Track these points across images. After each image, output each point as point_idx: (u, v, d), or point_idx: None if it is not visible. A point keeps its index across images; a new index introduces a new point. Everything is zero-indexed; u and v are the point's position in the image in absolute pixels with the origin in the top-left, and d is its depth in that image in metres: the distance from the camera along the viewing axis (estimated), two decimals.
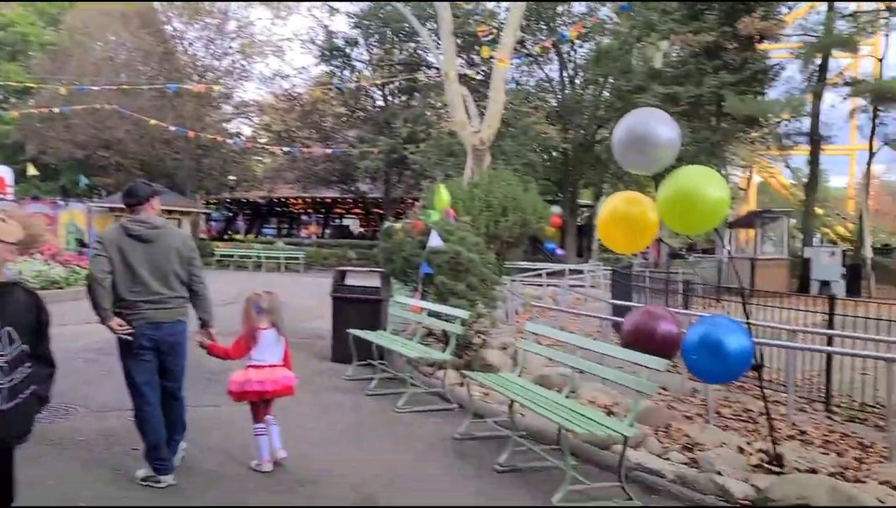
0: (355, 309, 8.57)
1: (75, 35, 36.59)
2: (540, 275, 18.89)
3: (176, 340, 4.58)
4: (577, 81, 30.08)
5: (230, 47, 36.23)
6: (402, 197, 35.41)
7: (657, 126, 4.54)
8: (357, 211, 51.14)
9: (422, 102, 30.05)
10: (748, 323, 4.85)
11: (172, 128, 28.66)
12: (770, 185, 48.07)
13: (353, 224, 57.73)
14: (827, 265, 19.85)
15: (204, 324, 4.78)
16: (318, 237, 43.46)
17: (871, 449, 5.57)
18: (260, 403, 4.88)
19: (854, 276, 20.38)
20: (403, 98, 34.13)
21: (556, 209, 30.11)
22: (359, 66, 35.27)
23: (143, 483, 4.44)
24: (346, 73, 34.41)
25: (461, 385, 7.26)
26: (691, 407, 6.77)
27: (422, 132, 28.81)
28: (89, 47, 34.80)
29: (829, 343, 7.06)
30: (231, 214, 52.04)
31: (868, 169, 23.10)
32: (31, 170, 31.88)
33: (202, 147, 34.29)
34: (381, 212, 38.35)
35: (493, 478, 4.87)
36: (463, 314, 6.60)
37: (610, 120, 29.55)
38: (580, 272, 21.29)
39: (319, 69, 36.16)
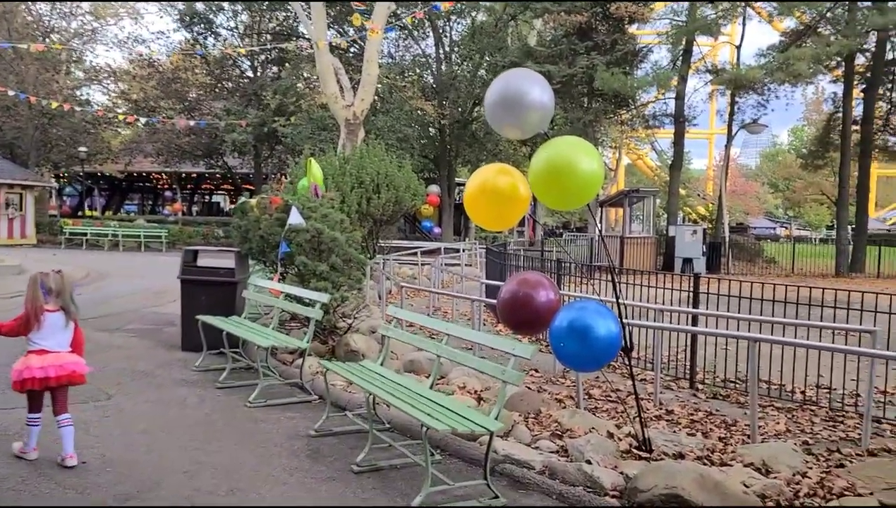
0: (207, 293, 7.78)
1: None
2: (415, 254, 18.51)
3: None
4: (454, 57, 29.81)
5: (79, 7, 33.16)
6: (273, 172, 33.95)
7: (531, 87, 4.18)
8: (227, 187, 48.76)
9: (293, 74, 28.72)
10: (618, 304, 4.63)
11: (11, 92, 25.77)
12: (637, 167, 50.48)
13: (224, 201, 55.17)
14: (689, 243, 20.81)
15: None
16: (182, 214, 40.92)
17: (735, 428, 5.57)
18: (42, 393, 4.36)
19: (714, 254, 21.52)
20: (274, 69, 32.57)
21: (433, 188, 29.93)
22: (224, 33, 33.27)
23: None
24: (211, 40, 32.33)
25: (322, 374, 6.72)
26: (563, 389, 6.59)
27: (292, 105, 27.57)
28: None
29: (694, 321, 7.10)
30: (86, 189, 48.09)
31: (727, 152, 24.43)
32: None
33: (48, 115, 31.21)
34: (252, 188, 36.67)
35: (348, 480, 4.38)
36: (322, 297, 6.03)
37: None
38: (457, 251, 21.12)
39: (180, 35, 33.81)
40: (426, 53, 30.82)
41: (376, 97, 29.50)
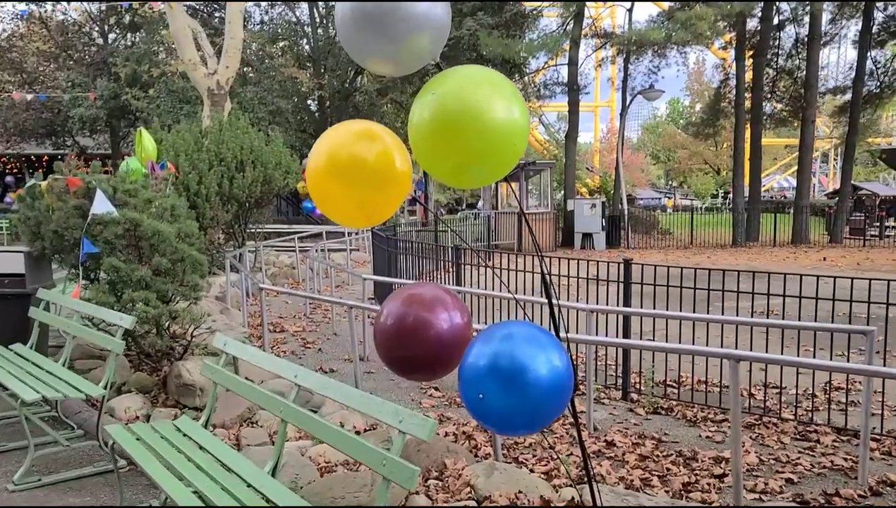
0: None
1: None
2: (292, 241, 16.53)
3: None
4: (329, 23, 27.55)
5: None
6: (131, 151, 30.51)
7: None
8: (83, 170, 44.07)
9: (148, 40, 25.52)
10: (553, 316, 3.06)
11: None
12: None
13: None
14: (589, 217, 19.93)
15: None
16: None
17: (698, 465, 4.24)
18: None
19: (613, 227, 20.78)
20: (129, 37, 29.02)
21: None
22: None
23: None
24: (48, 3, 28.33)
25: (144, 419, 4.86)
26: (476, 431, 5.00)
27: (147, 73, 24.49)
28: None
29: (626, 328, 5.72)
30: None
31: (622, 121, 23.70)
32: None
33: None
34: (110, 170, 32.92)
35: None
36: (124, 321, 4.16)
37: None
38: (341, 235, 19.28)
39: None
40: (300, 20, 28.37)
41: (246, 67, 26.86)
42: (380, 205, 2.70)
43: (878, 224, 24.37)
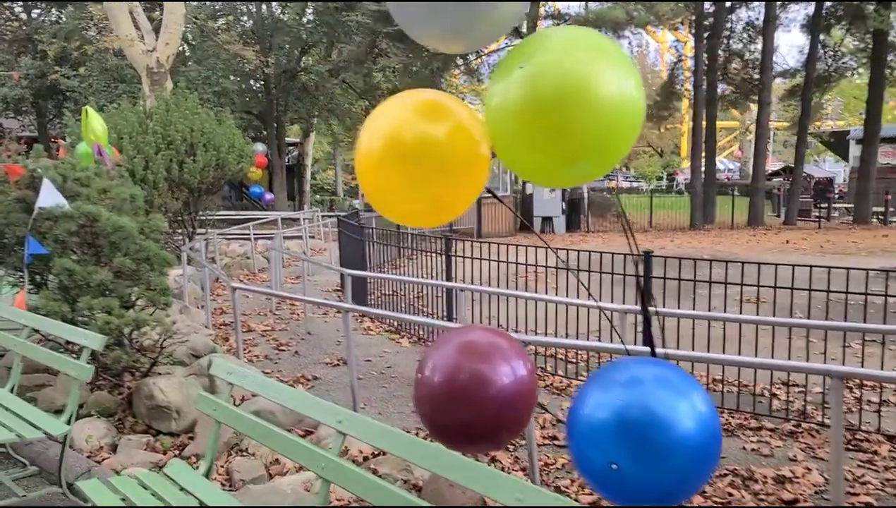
0: None
1: None
2: (245, 228, 15.58)
3: None
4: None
5: None
6: (62, 134, 28.65)
7: None
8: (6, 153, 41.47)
9: (76, 15, 23.78)
10: (648, 335, 2.49)
11: None
12: None
13: None
14: (548, 201, 19.51)
15: None
16: None
17: (758, 488, 3.78)
18: None
19: (573, 211, 20.44)
20: (55, 12, 27.06)
21: (259, 147, 26.48)
22: None
23: None
24: None
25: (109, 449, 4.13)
26: (501, 453, 4.39)
27: (77, 51, 22.84)
28: None
29: (647, 325, 5.21)
30: None
31: None
32: None
33: None
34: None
35: None
36: (93, 342, 3.41)
37: (315, 44, 26.49)
38: (295, 221, 18.41)
39: None
40: None
41: (186, 44, 25.40)
42: (458, 197, 2.08)
43: (824, 205, 24.86)
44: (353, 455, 4.01)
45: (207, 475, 2.74)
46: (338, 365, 6.70)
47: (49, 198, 4.51)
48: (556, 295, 7.47)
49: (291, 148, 32.75)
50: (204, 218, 13.80)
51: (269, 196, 27.93)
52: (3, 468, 3.83)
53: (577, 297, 5.93)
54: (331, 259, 13.29)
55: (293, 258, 13.96)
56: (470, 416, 2.10)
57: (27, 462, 3.94)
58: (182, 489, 2.61)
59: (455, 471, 2.04)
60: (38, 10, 26.08)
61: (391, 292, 9.22)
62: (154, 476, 2.71)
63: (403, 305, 8.55)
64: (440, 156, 1.94)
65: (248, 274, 13.68)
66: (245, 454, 4.14)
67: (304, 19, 26.46)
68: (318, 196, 35.71)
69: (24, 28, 25.74)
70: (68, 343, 4.97)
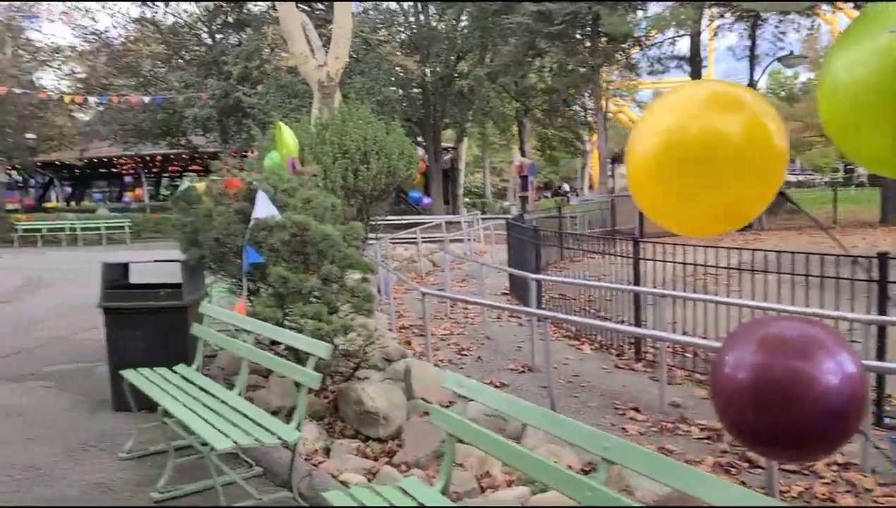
0: (143, 328, 5.27)
1: None
2: (408, 232, 15.95)
3: None
4: (431, 9, 26.85)
5: None
6: (244, 149, 31.04)
7: None
8: (196, 168, 45.60)
9: (256, 37, 25.65)
10: None
11: None
12: (617, 120, 47.88)
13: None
14: None
15: None
16: (149, 199, 37.87)
17: None
18: None
19: None
20: (235, 37, 29.41)
21: (420, 152, 27.22)
22: None
23: None
24: (161, 5, 29.03)
25: (324, 452, 4.26)
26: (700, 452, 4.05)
27: (257, 69, 24.61)
28: None
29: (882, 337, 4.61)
30: (48, 180, 44.85)
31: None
32: None
33: None
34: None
35: None
36: (319, 350, 3.52)
37: (471, 49, 26.78)
38: (457, 225, 18.65)
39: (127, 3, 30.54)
40: (401, 7, 27.84)
41: (350, 56, 26.64)
42: (751, 201, 1.86)
43: None
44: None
45: (444, 491, 2.70)
46: (523, 371, 6.59)
47: (263, 208, 4.77)
48: (752, 299, 6.92)
49: (445, 151, 33.39)
50: (374, 223, 14.29)
51: (426, 200, 28.60)
52: (231, 467, 4.05)
53: (793, 304, 5.42)
54: (492, 261, 13.29)
55: (460, 261, 14.11)
56: (789, 422, 1.86)
57: (252, 463, 4.15)
58: (421, 506, 2.58)
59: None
60: (220, 35, 28.41)
61: (559, 295, 9.02)
62: (391, 491, 2.71)
63: (576, 309, 8.33)
64: (734, 155, 1.74)
65: (416, 277, 13.99)
66: (454, 465, 4.11)
67: (460, 25, 26.84)
68: (466, 199, 36.09)
69: (211, 52, 28.13)
70: (273, 344, 5.24)
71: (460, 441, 2.77)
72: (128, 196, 39.33)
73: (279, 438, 3.31)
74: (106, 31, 30.01)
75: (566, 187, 47.18)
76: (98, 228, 26.35)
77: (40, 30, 33.33)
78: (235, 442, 3.18)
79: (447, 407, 4.97)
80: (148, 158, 38.30)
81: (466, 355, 7.26)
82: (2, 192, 32.68)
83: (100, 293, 5.35)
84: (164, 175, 47.50)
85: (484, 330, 8.41)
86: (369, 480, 3.86)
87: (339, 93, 17.29)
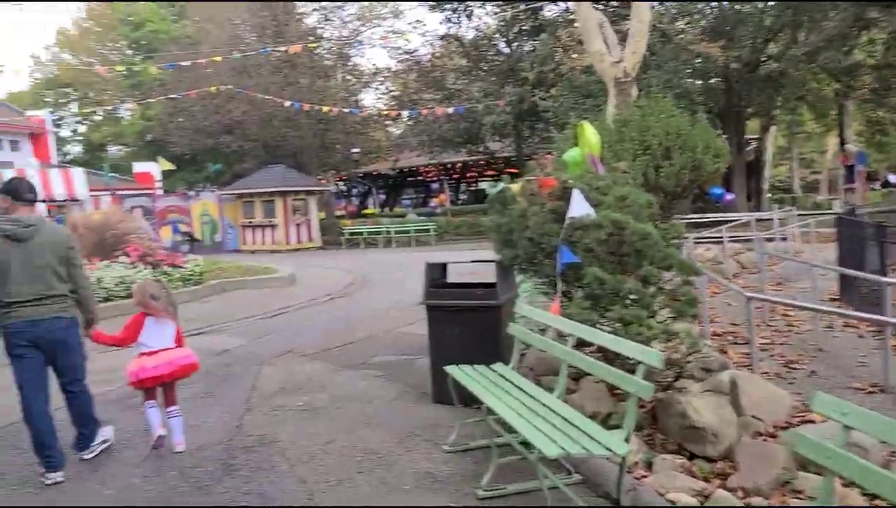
0: (460, 325, 5.50)
1: (199, 24, 36.53)
2: (719, 231, 14.79)
3: (57, 336, 4.45)
4: None
5: (348, 15, 34.16)
6: (536, 152, 31.86)
7: None
8: (490, 173, 48.05)
9: (550, 40, 26.09)
10: None
11: (287, 103, 26.93)
12: None
13: (488, 187, 54.70)
14: None
15: (89, 323, 4.74)
16: (451, 204, 40.80)
17: None
18: (156, 388, 4.81)
19: None
20: (530, 42, 30.28)
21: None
22: (477, 11, 31.76)
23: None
24: (464, 19, 30.98)
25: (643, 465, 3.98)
26: None
27: (552, 72, 24.96)
28: (213, 34, 34.13)
29: None
30: (367, 189, 50.89)
31: None
32: (165, 165, 31.80)
33: (323, 121, 32.60)
34: (515, 171, 35.07)
35: None
36: (650, 358, 3.26)
37: (781, 29, 24.17)
38: (768, 221, 16.90)
39: (436, 20, 33.24)
40: None
41: (646, 49, 25.79)
42: None
43: None
44: None
45: None
46: (873, 391, 5.59)
47: (579, 207, 4.64)
48: None
49: (749, 143, 30.63)
50: (676, 222, 13.54)
51: (729, 196, 26.51)
52: (552, 471, 3.96)
53: None
54: (811, 261, 11.68)
55: (772, 262, 12.71)
56: None
57: (571, 469, 4.03)
58: None
59: None
60: (516, 43, 29.47)
61: None
62: None
63: None
64: None
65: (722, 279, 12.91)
66: (800, 496, 3.56)
67: (768, 4, 24.38)
68: (769, 194, 32.67)
69: (508, 60, 29.33)
70: (580, 346, 5.07)
71: (839, 476, 2.30)
72: (433, 201, 42.76)
73: (608, 450, 3.12)
74: (416, 51, 32.92)
75: (893, 177, 40.43)
76: (408, 231, 29.02)
77: (363, 55, 37.68)
78: (564, 450, 3.07)
79: (785, 428, 4.38)
80: (449, 165, 41.36)
81: (796, 369, 6.39)
82: (332, 201, 37.80)
83: (422, 291, 5.70)
84: (463, 181, 50.95)
85: (814, 339, 7.37)
86: (700, 503, 3.50)
87: (635, 89, 16.76)
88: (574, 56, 26.75)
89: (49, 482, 4.26)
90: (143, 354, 4.75)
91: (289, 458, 4.55)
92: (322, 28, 34.05)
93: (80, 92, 49.70)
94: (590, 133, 8.24)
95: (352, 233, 29.81)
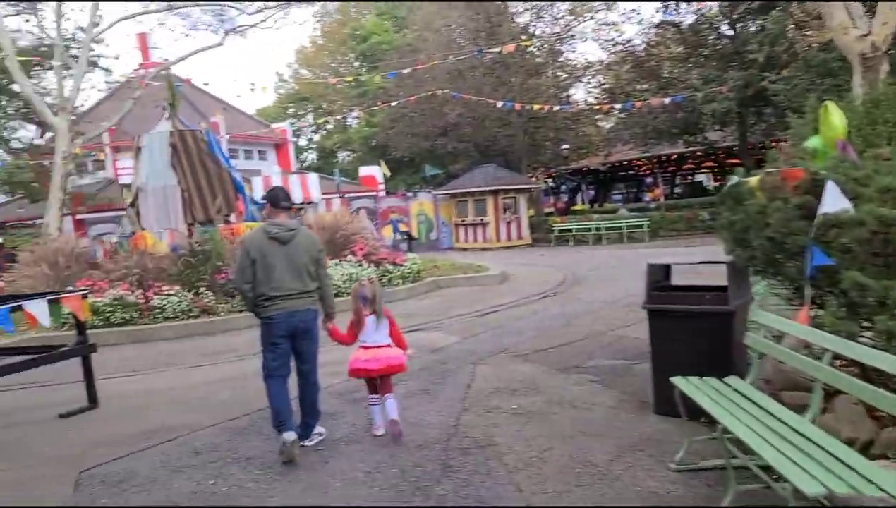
0: (685, 332, 5.06)
1: (417, 32, 38.54)
2: None
3: (307, 326, 5.06)
4: None
5: (560, 9, 33.89)
6: (761, 142, 29.20)
7: None
8: (708, 164, 45.00)
9: (781, 17, 23.68)
10: None
11: (499, 104, 27.35)
12: None
13: (707, 179, 51.54)
14: None
15: (328, 317, 5.32)
16: (664, 198, 38.84)
17: None
18: (372, 379, 5.23)
19: None
20: (757, 21, 27.78)
21: None
22: None
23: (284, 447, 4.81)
24: (682, 4, 29.19)
25: None
26: None
27: (784, 52, 22.66)
28: (430, 41, 35.75)
29: None
30: (576, 185, 50.23)
31: None
32: (384, 169, 33.90)
33: (533, 119, 32.65)
34: (737, 162, 32.45)
35: None
36: None
37: None
38: None
39: (651, 8, 31.75)
40: None
41: None
42: None
43: None
44: None
45: None
46: None
47: (834, 202, 4.03)
48: None
49: None
50: None
51: None
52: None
53: None
54: None
55: None
56: None
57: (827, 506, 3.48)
58: None
59: None
60: (740, 24, 27.19)
61: None
62: None
63: None
64: None
65: None
66: None
67: None
68: None
69: (732, 43, 27.19)
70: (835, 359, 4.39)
71: None
72: (647, 195, 41.04)
73: (882, 490, 2.61)
74: (630, 41, 31.71)
75: None
76: (619, 228, 28.07)
77: (574, 50, 37.11)
78: (826, 487, 2.62)
79: None
80: (664, 158, 39.38)
81: None
82: (540, 198, 37.70)
83: (644, 293, 5.34)
84: (678, 173, 48.27)
85: None
86: None
87: (885, 64, 14.64)
88: (809, 33, 24.09)
89: (286, 442, 4.76)
90: (360, 347, 5.21)
91: (506, 464, 4.47)
92: (534, 26, 34.05)
93: (315, 103, 54.69)
94: (836, 116, 7.26)
95: (561, 231, 29.51)
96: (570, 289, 13.41)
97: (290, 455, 4.74)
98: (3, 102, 26.09)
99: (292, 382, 5.13)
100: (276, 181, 25.59)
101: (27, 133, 28.52)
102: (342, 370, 5.65)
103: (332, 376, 6.87)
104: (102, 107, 30.63)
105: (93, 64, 24.90)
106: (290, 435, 4.80)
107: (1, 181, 23.23)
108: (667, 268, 5.68)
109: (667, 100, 26.52)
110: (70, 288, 8.97)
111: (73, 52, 21.98)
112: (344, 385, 6.77)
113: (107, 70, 25.89)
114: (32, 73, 24.36)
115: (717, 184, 49.60)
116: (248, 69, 79.67)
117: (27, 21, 25.72)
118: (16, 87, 22.59)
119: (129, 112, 23.73)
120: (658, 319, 5.26)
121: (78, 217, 24.79)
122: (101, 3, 21.66)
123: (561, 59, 35.67)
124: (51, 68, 23.58)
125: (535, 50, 33.14)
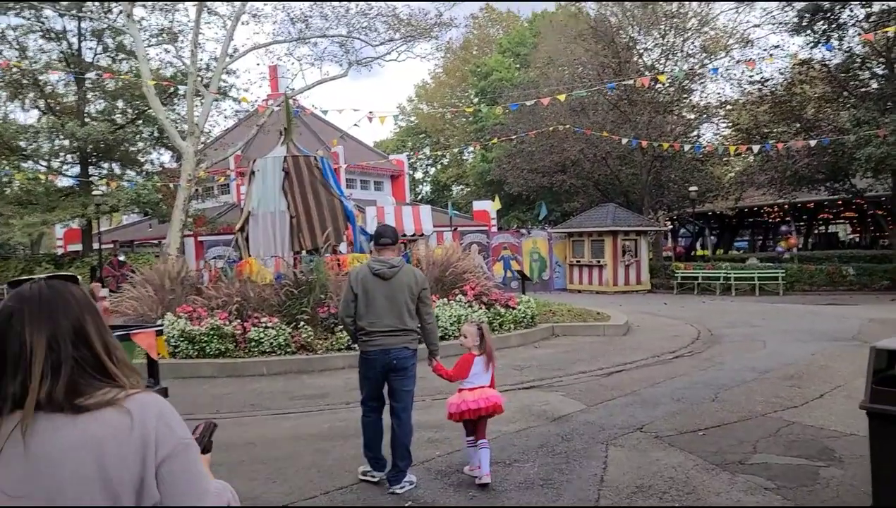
0: None
1: (540, 69, 37.88)
2: None
3: (401, 364, 5.08)
4: None
5: (693, 45, 32.15)
6: None
7: None
8: (848, 214, 41.12)
9: None
10: None
11: (624, 141, 25.87)
12: None
13: (843, 231, 47.34)
14: None
15: (431, 354, 5.33)
16: (798, 250, 35.59)
17: None
18: (473, 421, 5.14)
19: None
20: None
21: None
22: (852, 30, 27.20)
23: (362, 477, 5.24)
24: (833, 41, 26.69)
25: None
26: None
27: None
28: (552, 77, 34.95)
29: None
30: (698, 229, 47.36)
31: None
32: (497, 203, 33.11)
33: (659, 158, 30.86)
34: (885, 214, 29.21)
35: None
36: None
37: None
38: None
39: (795, 44, 29.32)
40: None
41: None
42: None
43: None
44: None
45: None
46: None
47: None
48: None
49: None
50: None
51: None
52: None
53: None
54: None
55: None
56: None
57: None
58: None
59: None
60: None
61: None
62: None
63: None
64: None
65: None
66: None
67: None
68: None
69: (891, 84, 24.49)
70: None
71: None
72: (780, 245, 37.83)
73: None
74: (769, 80, 29.41)
75: None
76: (751, 278, 25.70)
77: (704, 88, 34.90)
78: None
79: None
80: (799, 205, 36.20)
81: None
82: (661, 242, 35.48)
83: (866, 387, 3.92)
84: (813, 222, 44.37)
85: None
86: None
87: None
88: None
89: (376, 479, 5.15)
90: (462, 389, 5.21)
91: None
92: (663, 64, 32.38)
93: (433, 137, 54.94)
94: None
95: (684, 277, 27.39)
96: (707, 349, 11.71)
97: None
98: (140, 126, 27.33)
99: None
100: (389, 212, 25.19)
101: (159, 156, 29.78)
102: (440, 437, 4.71)
103: (431, 445, 5.80)
104: (231, 135, 31.59)
105: (223, 93, 25.61)
106: (381, 475, 5.07)
107: (129, 200, 24.10)
108: (891, 355, 4.22)
109: (812, 143, 24.12)
110: (158, 317, 8.39)
111: (205, 80, 22.60)
112: (446, 459, 5.68)
113: (235, 99, 26.52)
114: (166, 100, 25.31)
115: (854, 235, 45.31)
116: (369, 102, 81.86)
117: (167, 52, 26.89)
118: (151, 113, 23.47)
119: (254, 138, 24.10)
120: (883, 425, 3.82)
121: (199, 238, 25.35)
122: (235, 35, 22.20)
123: (691, 97, 33.74)
124: (183, 95, 24.41)
125: (663, 85, 31.41)
